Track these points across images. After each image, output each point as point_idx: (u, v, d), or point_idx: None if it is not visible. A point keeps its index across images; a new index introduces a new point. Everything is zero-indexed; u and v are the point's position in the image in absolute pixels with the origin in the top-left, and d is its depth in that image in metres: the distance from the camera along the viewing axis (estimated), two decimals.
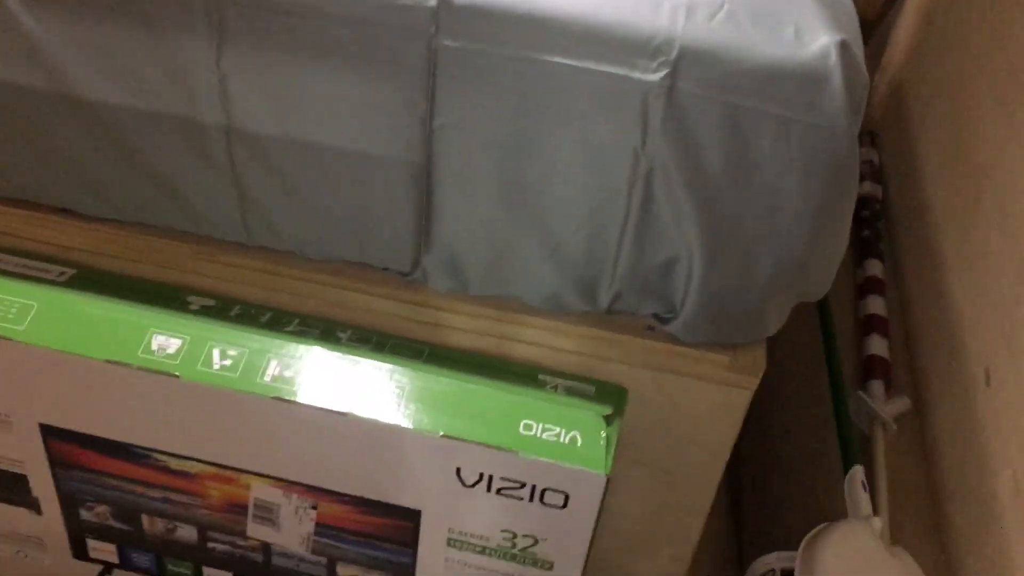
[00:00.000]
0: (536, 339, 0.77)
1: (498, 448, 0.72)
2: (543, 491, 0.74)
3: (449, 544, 0.79)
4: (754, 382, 0.76)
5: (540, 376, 0.77)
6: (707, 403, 0.78)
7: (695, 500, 0.85)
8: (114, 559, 0.89)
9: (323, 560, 0.83)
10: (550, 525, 0.76)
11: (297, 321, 0.80)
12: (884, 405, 0.95)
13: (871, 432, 0.95)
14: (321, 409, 0.73)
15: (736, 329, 0.75)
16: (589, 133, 0.67)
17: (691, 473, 0.83)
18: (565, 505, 0.74)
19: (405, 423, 0.72)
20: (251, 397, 0.74)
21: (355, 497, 0.78)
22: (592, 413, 0.74)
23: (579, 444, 0.72)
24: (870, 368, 1.00)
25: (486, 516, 0.76)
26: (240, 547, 0.84)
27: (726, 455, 0.82)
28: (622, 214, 0.70)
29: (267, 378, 0.74)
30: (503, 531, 0.77)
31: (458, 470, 0.74)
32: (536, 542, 0.77)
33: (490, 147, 0.69)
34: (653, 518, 0.87)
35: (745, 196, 0.68)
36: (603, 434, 0.73)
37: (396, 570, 0.82)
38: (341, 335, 0.79)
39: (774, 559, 1.02)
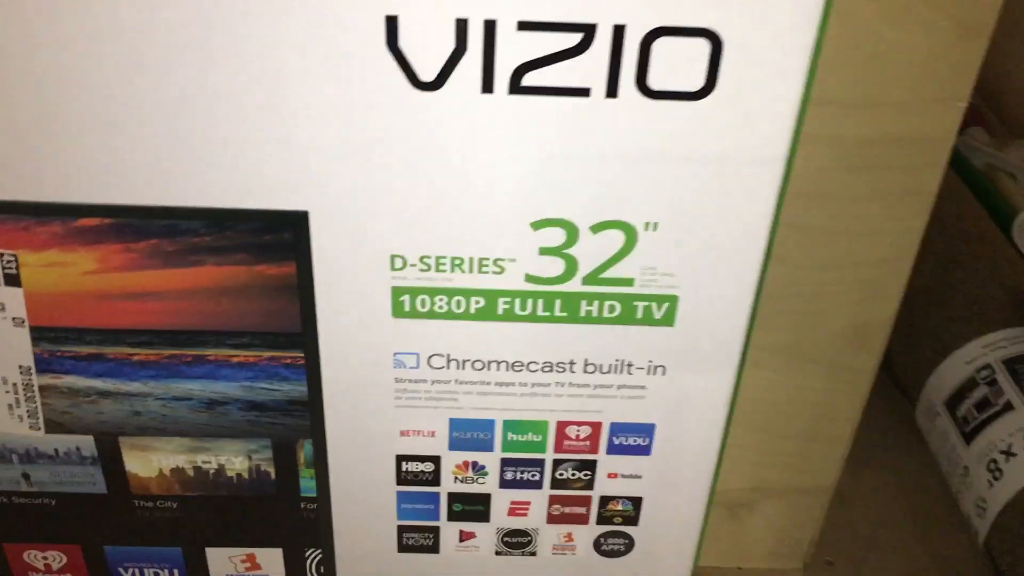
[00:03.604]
0: None
1: None
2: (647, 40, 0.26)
3: (408, 308, 0.30)
4: None
5: None
6: None
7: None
8: None
9: (84, 448, 0.33)
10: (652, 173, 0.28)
11: None
12: None
13: None
14: None
15: None
16: None
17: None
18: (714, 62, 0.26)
19: None
20: None
21: (122, 210, 0.28)
22: None
23: None
24: None
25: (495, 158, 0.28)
26: None
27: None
28: None
29: None
30: (540, 225, 0.29)
31: (390, 24, 0.26)
32: (626, 231, 0.29)
33: None
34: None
35: None
36: None
37: (280, 434, 0.33)
38: None
39: (979, 349, 0.58)
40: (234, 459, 0.33)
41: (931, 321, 0.59)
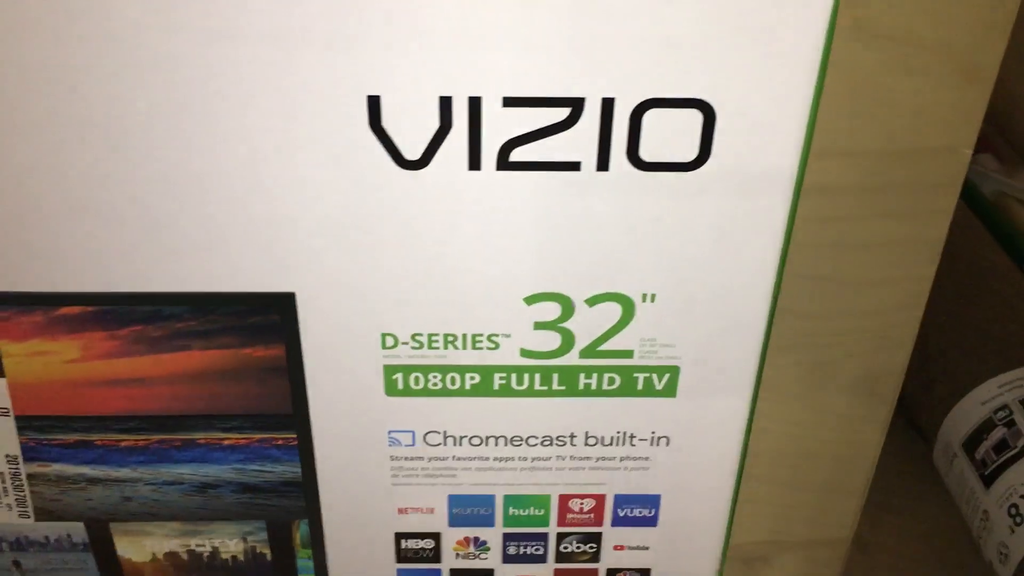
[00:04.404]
0: None
1: None
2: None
3: (401, 386, 0.30)
4: None
5: None
6: None
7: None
8: None
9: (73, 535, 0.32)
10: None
11: None
12: None
13: None
14: None
15: None
16: None
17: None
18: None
19: None
20: None
21: (104, 298, 0.28)
22: None
23: None
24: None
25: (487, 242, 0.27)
26: None
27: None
28: None
29: None
30: (534, 299, 0.28)
31: (372, 104, 0.25)
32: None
33: None
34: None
35: None
36: None
37: (272, 515, 0.32)
38: None
39: (995, 389, 0.57)
40: (228, 542, 0.32)
41: (945, 360, 0.58)
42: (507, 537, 0.33)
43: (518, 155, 0.25)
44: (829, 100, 0.33)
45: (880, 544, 0.55)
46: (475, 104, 0.24)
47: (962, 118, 0.36)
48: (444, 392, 0.29)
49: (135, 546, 0.32)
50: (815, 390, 0.42)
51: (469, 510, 0.32)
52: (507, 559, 0.34)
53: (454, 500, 0.32)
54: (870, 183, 0.37)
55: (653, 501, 0.32)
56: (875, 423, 0.44)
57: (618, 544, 0.33)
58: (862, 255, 0.39)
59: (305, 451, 0.30)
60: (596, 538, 0.33)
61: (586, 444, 0.31)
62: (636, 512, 0.32)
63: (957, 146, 0.37)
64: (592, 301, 0.28)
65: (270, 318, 0.28)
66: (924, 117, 0.35)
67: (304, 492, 0.31)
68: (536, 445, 0.31)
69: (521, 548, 0.33)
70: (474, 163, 0.25)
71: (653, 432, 0.31)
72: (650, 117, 0.25)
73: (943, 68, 0.35)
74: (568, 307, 0.28)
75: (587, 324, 0.28)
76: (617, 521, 0.33)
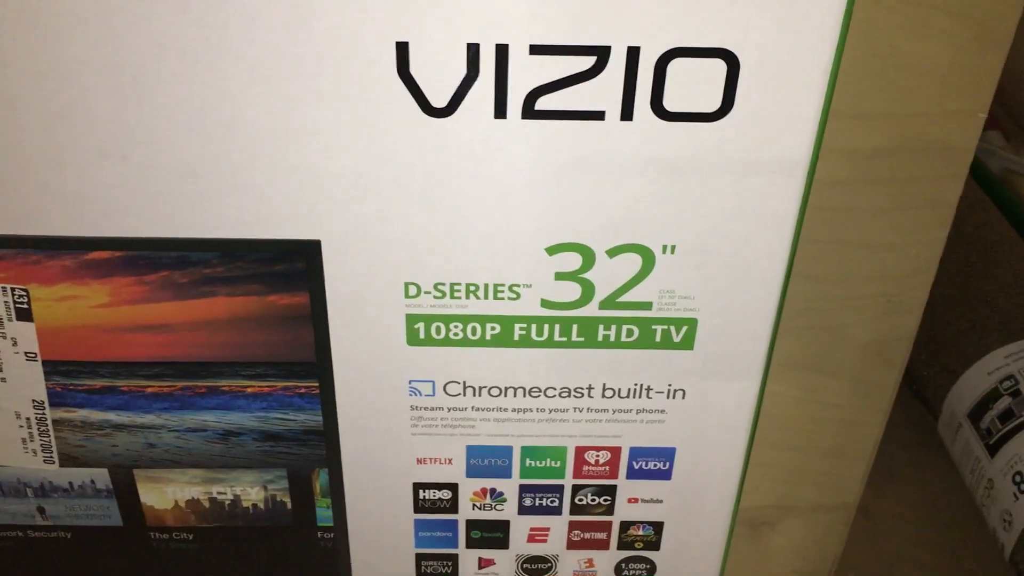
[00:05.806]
0: None
1: None
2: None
3: (423, 336, 0.30)
4: None
5: None
6: None
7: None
8: None
9: (96, 479, 0.33)
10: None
11: None
12: None
13: None
14: None
15: None
16: None
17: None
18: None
19: None
20: None
21: (133, 243, 0.28)
22: None
23: None
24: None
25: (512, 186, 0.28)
26: None
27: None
28: None
29: None
30: (556, 249, 0.29)
31: (400, 51, 0.26)
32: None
33: None
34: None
35: None
36: None
37: (295, 461, 0.32)
38: None
39: (1001, 359, 0.57)
40: (250, 490, 0.33)
41: (952, 331, 0.58)
42: (523, 488, 0.33)
43: (543, 104, 0.26)
44: (847, 61, 0.33)
45: (884, 511, 0.56)
46: (502, 51, 0.25)
47: (977, 82, 0.36)
48: (464, 342, 0.30)
49: (157, 493, 0.33)
50: (826, 354, 0.42)
51: (486, 461, 0.33)
52: (523, 510, 0.34)
53: (472, 451, 0.32)
54: (885, 145, 0.37)
55: (668, 454, 0.33)
56: (884, 388, 0.45)
57: (632, 497, 0.34)
58: (874, 218, 0.39)
59: (327, 400, 0.31)
60: (611, 491, 0.34)
61: (603, 396, 0.31)
62: (651, 465, 0.33)
63: (972, 110, 0.37)
64: (613, 252, 0.28)
65: (295, 265, 0.28)
66: (940, 80, 0.36)
67: (325, 441, 0.32)
68: (554, 397, 0.31)
69: (537, 500, 0.34)
70: (500, 111, 0.26)
71: (669, 385, 0.31)
72: (674, 67, 0.25)
73: (960, 32, 0.35)
74: (589, 258, 0.28)
75: (607, 275, 0.29)
76: (632, 474, 0.33)
